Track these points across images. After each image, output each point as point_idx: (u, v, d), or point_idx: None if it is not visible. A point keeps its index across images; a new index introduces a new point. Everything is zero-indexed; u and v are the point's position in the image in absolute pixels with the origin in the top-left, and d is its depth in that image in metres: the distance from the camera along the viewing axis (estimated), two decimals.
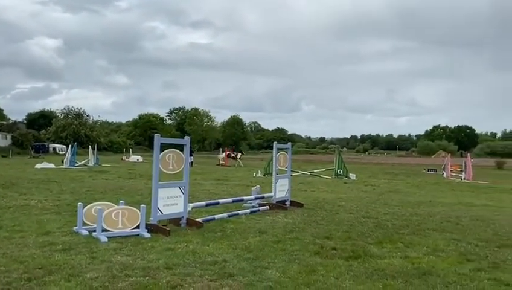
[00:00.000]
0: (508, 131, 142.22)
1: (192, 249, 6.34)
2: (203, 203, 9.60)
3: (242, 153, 42.58)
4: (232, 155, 39.85)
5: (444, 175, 28.41)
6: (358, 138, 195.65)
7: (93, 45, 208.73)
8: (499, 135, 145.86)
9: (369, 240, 7.27)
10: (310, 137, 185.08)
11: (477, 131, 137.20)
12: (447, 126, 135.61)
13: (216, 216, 8.91)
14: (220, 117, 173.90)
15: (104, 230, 6.98)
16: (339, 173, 24.36)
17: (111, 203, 7.94)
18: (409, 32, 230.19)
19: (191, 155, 36.11)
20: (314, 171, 26.29)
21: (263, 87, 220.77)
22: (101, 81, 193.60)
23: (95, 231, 7.01)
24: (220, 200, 10.25)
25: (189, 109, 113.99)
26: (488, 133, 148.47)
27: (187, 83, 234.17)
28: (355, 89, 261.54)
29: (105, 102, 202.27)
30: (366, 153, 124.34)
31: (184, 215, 8.12)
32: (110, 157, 48.82)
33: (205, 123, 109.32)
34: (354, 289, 4.74)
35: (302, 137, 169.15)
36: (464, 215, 10.32)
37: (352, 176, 23.92)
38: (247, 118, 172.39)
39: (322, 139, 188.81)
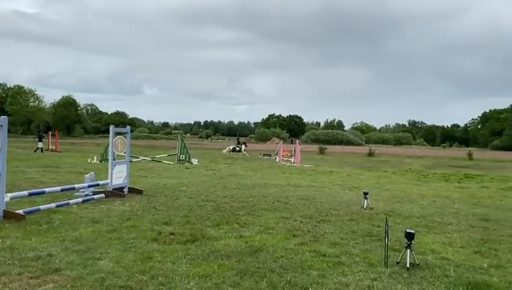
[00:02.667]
0: (329, 121, 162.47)
1: (9, 245, 5.56)
2: (25, 192, 8.51)
3: (246, 145, 42.12)
4: (236, 148, 39.46)
5: (277, 159, 30.91)
6: (202, 124, 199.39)
7: None
8: (322, 124, 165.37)
9: (207, 223, 7.44)
10: (152, 122, 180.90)
11: (305, 120, 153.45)
12: (280, 115, 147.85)
13: (42, 207, 8.01)
14: (50, 97, 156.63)
15: None
16: (181, 158, 24.39)
17: None
18: (248, 25, 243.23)
19: (40, 140, 31.96)
20: (156, 156, 25.80)
21: (101, 67, 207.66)
22: None
23: None
24: (47, 189, 9.19)
25: (12, 87, 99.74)
26: (314, 122, 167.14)
27: (8, 57, 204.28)
28: (198, 76, 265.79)
29: None
30: (209, 139, 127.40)
31: (0, 207, 7.06)
32: None
33: (31, 103, 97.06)
34: (190, 272, 4.77)
35: (144, 121, 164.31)
36: (292, 196, 11.37)
37: (195, 161, 24.22)
38: (82, 99, 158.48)
39: (166, 124, 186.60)
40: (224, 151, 41.14)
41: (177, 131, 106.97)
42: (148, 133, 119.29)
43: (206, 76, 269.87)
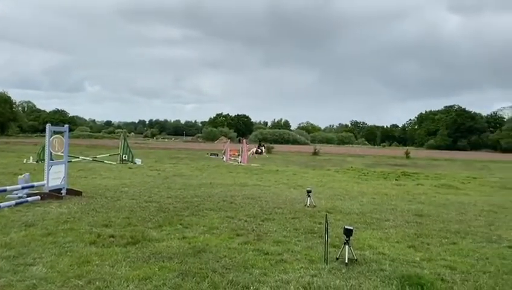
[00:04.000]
0: (276, 120, 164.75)
1: None
2: None
3: (264, 147, 42.90)
4: (259, 150, 40.13)
5: (224, 159, 30.86)
6: (147, 122, 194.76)
7: None
8: (269, 123, 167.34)
9: (149, 225, 7.27)
10: (94, 120, 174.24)
11: (253, 120, 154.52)
12: (228, 114, 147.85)
13: None
14: None
15: None
16: (124, 158, 23.67)
17: None
18: (196, 22, 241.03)
19: None
20: (98, 156, 24.85)
21: (39, 63, 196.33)
22: None
23: None
24: None
25: None
26: (261, 122, 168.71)
27: None
28: (143, 73, 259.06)
29: None
30: (154, 138, 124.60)
31: None
32: None
33: None
34: (129, 275, 4.63)
35: (85, 120, 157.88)
36: (238, 195, 11.39)
37: (138, 161, 23.60)
38: (18, 96, 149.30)
39: (109, 123, 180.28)
40: (248, 153, 42.20)
41: (121, 130, 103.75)
42: (90, 132, 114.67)
43: (151, 74, 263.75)
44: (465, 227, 8.10)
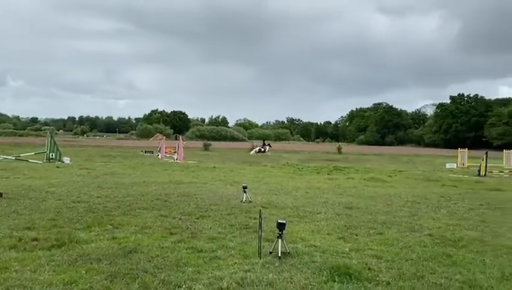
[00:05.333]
0: (214, 117, 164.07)
1: None
2: None
3: (270, 146, 44.65)
4: (262, 149, 42.14)
5: (159, 156, 30.18)
6: (77, 119, 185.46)
7: None
8: (207, 120, 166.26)
9: (77, 226, 6.91)
10: (18, 117, 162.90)
11: (190, 116, 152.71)
12: (164, 111, 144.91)
13: None
14: None
15: None
16: (51, 156, 22.31)
17: None
18: (129, 15, 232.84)
19: None
20: (21, 155, 23.21)
21: None
22: None
23: None
24: None
25: None
26: (199, 119, 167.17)
27: None
28: (73, 67, 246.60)
29: None
30: (85, 135, 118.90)
31: None
32: None
33: None
34: (53, 280, 4.37)
35: (8, 117, 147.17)
36: (172, 193, 11.17)
37: (67, 159, 22.38)
38: None
39: (34, 120, 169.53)
40: (252, 152, 42.86)
41: (48, 127, 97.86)
42: (13, 129, 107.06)
43: (81, 68, 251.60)
44: (391, 218, 8.57)
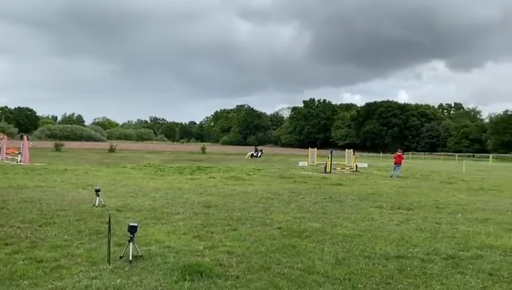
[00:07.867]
0: (67, 115, 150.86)
1: None
2: None
3: (262, 152, 43.95)
4: (254, 154, 41.99)
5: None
6: None
7: None
8: (59, 118, 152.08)
9: None
10: None
11: (39, 113, 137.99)
12: (6, 107, 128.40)
13: None
14: None
15: None
16: None
17: None
18: None
19: None
20: None
21: None
22: None
23: None
24: None
25: None
26: (50, 116, 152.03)
27: None
28: None
29: None
30: None
31: None
32: None
33: None
34: None
35: None
36: (12, 199, 9.94)
37: None
38: None
39: None
40: (246, 157, 42.46)
41: None
42: None
43: None
44: (246, 214, 8.97)
